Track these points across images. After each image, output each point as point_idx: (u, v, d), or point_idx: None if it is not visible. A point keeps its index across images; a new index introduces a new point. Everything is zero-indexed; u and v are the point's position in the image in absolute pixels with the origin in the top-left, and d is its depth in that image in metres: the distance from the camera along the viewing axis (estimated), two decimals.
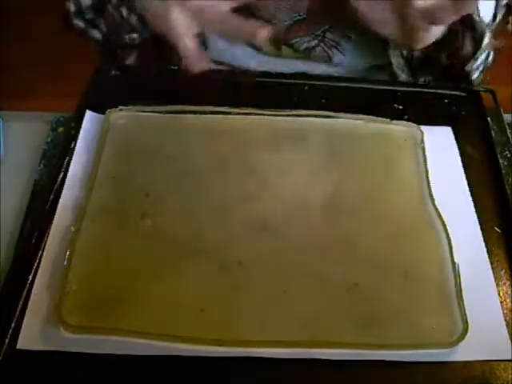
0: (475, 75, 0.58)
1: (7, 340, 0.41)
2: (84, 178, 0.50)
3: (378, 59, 0.65)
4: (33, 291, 0.43)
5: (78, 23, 0.60)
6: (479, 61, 0.57)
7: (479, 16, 0.57)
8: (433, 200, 0.49)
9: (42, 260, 0.45)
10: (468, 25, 0.55)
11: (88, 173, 0.50)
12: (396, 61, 0.61)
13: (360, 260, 0.45)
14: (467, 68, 0.57)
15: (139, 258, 0.45)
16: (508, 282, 0.46)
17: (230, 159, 0.50)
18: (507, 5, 0.59)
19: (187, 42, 0.52)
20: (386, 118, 0.54)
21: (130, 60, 0.53)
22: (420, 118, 0.49)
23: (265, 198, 0.49)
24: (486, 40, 0.55)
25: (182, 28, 0.52)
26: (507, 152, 0.54)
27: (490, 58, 0.58)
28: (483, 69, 0.59)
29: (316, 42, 0.63)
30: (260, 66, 0.65)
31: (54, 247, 0.45)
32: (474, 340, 0.41)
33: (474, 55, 0.56)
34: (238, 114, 0.54)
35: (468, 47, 0.56)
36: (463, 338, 0.41)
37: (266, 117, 0.54)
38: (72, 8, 0.59)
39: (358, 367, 0.40)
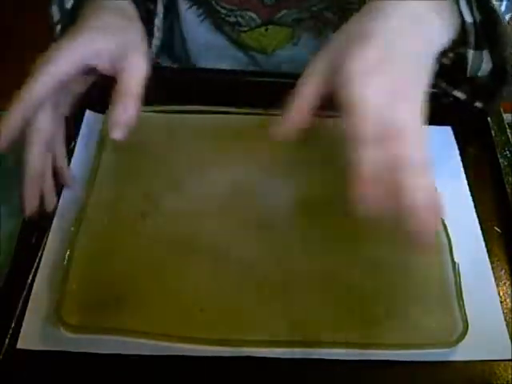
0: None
1: (7, 340, 0.41)
2: (84, 178, 0.50)
3: None
4: (33, 291, 0.43)
5: None
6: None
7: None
8: None
9: (42, 260, 0.45)
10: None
11: (88, 172, 0.50)
12: None
13: (360, 260, 0.45)
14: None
15: (139, 257, 0.45)
16: (508, 282, 0.46)
17: (231, 159, 0.50)
18: None
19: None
20: None
21: None
22: None
23: (265, 197, 0.49)
24: None
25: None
26: (507, 152, 0.54)
27: None
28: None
29: (308, 15, 0.59)
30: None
31: (54, 247, 0.46)
32: (473, 340, 0.41)
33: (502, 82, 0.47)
34: (238, 113, 0.54)
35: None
36: (463, 338, 0.41)
37: (266, 116, 0.53)
38: None
39: (358, 367, 0.40)
